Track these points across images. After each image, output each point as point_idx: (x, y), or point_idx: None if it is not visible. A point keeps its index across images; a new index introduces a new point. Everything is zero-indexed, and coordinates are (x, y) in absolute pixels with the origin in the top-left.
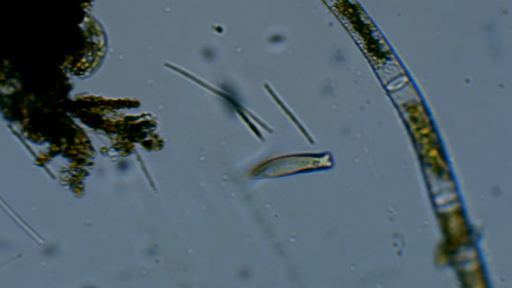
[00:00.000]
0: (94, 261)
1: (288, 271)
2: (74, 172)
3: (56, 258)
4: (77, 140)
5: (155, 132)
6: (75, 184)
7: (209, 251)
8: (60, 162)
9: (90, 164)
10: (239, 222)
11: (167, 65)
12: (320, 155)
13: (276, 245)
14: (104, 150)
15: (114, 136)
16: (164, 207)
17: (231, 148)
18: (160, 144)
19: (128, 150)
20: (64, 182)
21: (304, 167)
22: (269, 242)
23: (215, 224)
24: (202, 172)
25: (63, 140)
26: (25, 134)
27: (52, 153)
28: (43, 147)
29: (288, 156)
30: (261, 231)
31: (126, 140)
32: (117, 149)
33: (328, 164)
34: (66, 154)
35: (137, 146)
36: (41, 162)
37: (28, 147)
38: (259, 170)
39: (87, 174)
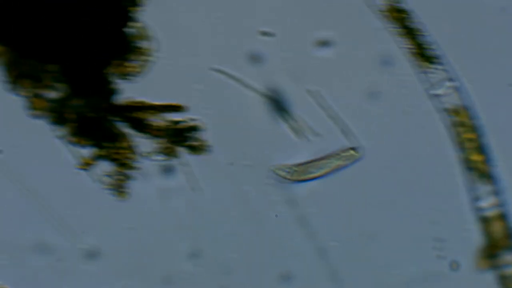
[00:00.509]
0: (136, 265)
1: (330, 275)
2: (118, 177)
3: (97, 262)
4: (122, 145)
5: (201, 136)
6: (119, 188)
7: (251, 255)
8: (104, 166)
9: (135, 168)
10: (282, 226)
11: (213, 69)
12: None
13: (318, 249)
14: (148, 155)
15: (160, 140)
16: (208, 211)
17: (276, 152)
18: (206, 148)
19: (173, 155)
20: (108, 186)
21: (331, 168)
22: (311, 246)
23: (257, 228)
24: (247, 176)
25: (108, 144)
26: (71, 138)
27: (97, 158)
28: (88, 152)
29: (312, 161)
30: (303, 235)
31: (171, 145)
32: (162, 154)
33: (358, 155)
34: (111, 159)
35: (182, 150)
36: (85, 166)
37: (73, 151)
38: (303, 170)
39: (131, 178)
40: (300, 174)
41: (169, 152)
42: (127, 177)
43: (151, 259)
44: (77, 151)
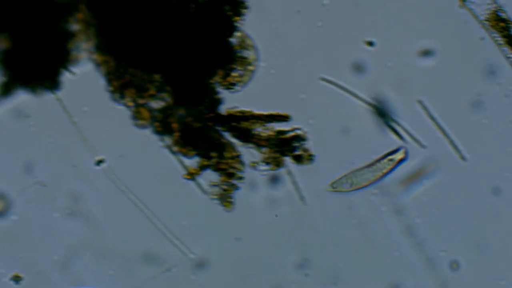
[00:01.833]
0: (244, 275)
1: (439, 286)
2: (224, 187)
3: (206, 272)
4: (227, 154)
5: (306, 146)
6: (225, 198)
7: (359, 265)
8: (210, 176)
9: (240, 178)
10: (389, 236)
11: (322, 79)
12: (394, 152)
13: (427, 259)
14: (254, 164)
15: (264, 150)
16: (314, 220)
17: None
18: (311, 158)
19: (278, 165)
20: (214, 197)
21: (382, 172)
22: (420, 256)
23: (365, 238)
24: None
25: (213, 154)
26: (175, 148)
27: (202, 167)
28: (193, 161)
29: (362, 168)
30: (411, 245)
31: (277, 154)
32: (267, 163)
33: (402, 156)
34: (216, 168)
35: (288, 160)
36: (191, 176)
37: (178, 161)
38: (338, 184)
39: (237, 188)
40: (355, 183)
41: (274, 162)
42: (233, 187)
43: (259, 269)
44: (183, 161)
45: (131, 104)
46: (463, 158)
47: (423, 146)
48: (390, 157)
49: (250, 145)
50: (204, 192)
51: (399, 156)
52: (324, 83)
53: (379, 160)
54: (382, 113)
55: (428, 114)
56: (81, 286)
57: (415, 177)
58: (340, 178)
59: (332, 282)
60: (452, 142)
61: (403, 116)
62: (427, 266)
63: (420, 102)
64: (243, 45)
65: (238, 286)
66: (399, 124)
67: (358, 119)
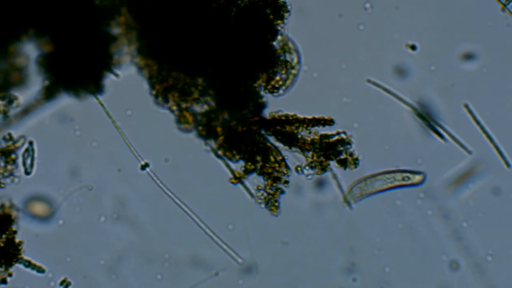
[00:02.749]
0: (292, 280)
1: None
2: (269, 191)
3: (253, 277)
4: (272, 158)
5: (350, 150)
6: (271, 202)
7: (406, 269)
8: (255, 180)
9: (286, 182)
10: (436, 240)
11: (368, 81)
12: (414, 173)
13: (474, 264)
14: (299, 169)
15: (309, 154)
16: (361, 225)
17: (427, 165)
18: (356, 162)
19: (323, 169)
20: (259, 201)
21: (393, 184)
22: (467, 261)
23: (411, 242)
24: (398, 190)
25: (258, 158)
26: (220, 152)
27: (247, 171)
28: (238, 165)
29: (376, 175)
30: (458, 249)
31: (322, 158)
32: (312, 167)
33: (419, 180)
34: (261, 173)
35: (332, 164)
36: (236, 180)
37: (224, 165)
38: (349, 192)
39: (282, 192)
40: (364, 191)
41: (319, 166)
42: (279, 191)
43: (306, 273)
44: (228, 165)
45: (174, 108)
46: (508, 165)
47: (469, 152)
48: (407, 175)
49: (295, 149)
50: (251, 196)
51: (415, 179)
52: (369, 85)
53: (395, 172)
54: (426, 116)
55: (473, 118)
56: None
57: (463, 179)
58: (352, 189)
59: (379, 287)
60: (497, 147)
61: (448, 120)
62: (473, 270)
63: (466, 105)
64: (285, 49)
65: None
66: (444, 128)
67: (403, 123)
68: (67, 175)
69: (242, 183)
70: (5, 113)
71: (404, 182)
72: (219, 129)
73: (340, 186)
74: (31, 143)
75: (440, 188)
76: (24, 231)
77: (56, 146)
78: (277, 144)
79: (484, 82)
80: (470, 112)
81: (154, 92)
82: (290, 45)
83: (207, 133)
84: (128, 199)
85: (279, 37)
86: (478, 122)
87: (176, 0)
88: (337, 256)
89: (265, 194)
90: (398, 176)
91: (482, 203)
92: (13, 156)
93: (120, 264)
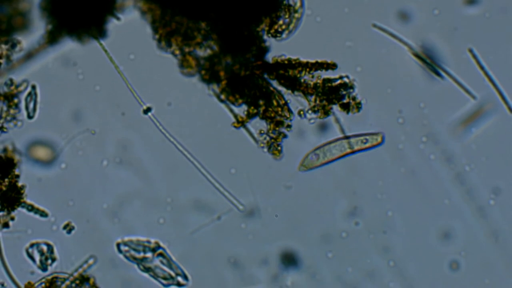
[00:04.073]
0: (294, 224)
1: (490, 234)
2: (272, 135)
3: (256, 221)
4: (275, 103)
5: (353, 94)
6: (274, 146)
7: (408, 214)
8: (258, 124)
9: (288, 126)
10: (439, 184)
11: (374, 26)
12: (372, 134)
13: (477, 208)
14: (302, 113)
15: (312, 98)
16: (363, 169)
17: (430, 109)
18: (358, 106)
19: (326, 113)
20: (262, 145)
21: (353, 149)
22: (470, 204)
23: (414, 186)
24: (401, 134)
25: (261, 102)
26: (223, 96)
27: (250, 116)
28: (241, 109)
29: (335, 140)
30: (461, 193)
31: (324, 102)
32: (315, 112)
33: (379, 141)
34: (264, 117)
35: (335, 108)
36: (239, 124)
37: (227, 109)
38: (305, 159)
39: (285, 136)
40: (322, 158)
41: (322, 110)
42: (282, 135)
43: (309, 217)
44: (231, 109)
45: (177, 52)
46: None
47: (473, 97)
48: (365, 137)
49: (298, 93)
50: (253, 140)
51: (375, 140)
52: (373, 30)
53: (353, 137)
54: (429, 60)
55: (477, 63)
56: (131, 234)
57: (472, 119)
58: (308, 155)
59: (381, 231)
60: (500, 93)
61: (451, 64)
62: (476, 214)
63: (470, 50)
64: None
65: (288, 235)
66: (447, 72)
67: (405, 67)
68: (70, 119)
69: (245, 127)
70: (8, 58)
71: (364, 146)
72: (222, 73)
73: (343, 130)
74: (34, 87)
75: (443, 132)
76: (27, 175)
77: (59, 90)
78: (280, 88)
79: (487, 27)
80: (474, 57)
81: (157, 37)
82: None
83: (210, 77)
84: (131, 143)
85: None
86: (482, 67)
87: None
88: (340, 200)
89: (268, 138)
90: (358, 140)
91: (485, 147)
92: (15, 100)
93: (123, 208)
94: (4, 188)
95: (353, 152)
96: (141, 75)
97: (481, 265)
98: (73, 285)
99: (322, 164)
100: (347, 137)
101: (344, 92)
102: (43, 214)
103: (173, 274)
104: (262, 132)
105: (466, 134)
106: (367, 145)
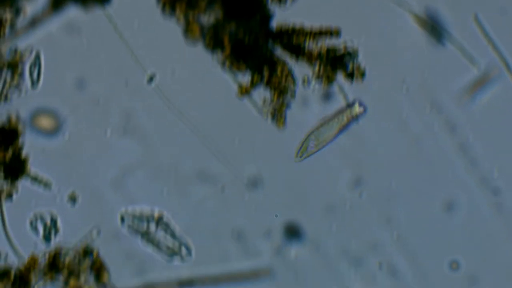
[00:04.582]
0: (298, 194)
1: (493, 205)
2: (275, 104)
3: (259, 192)
4: (278, 71)
5: (357, 62)
6: (277, 115)
7: (412, 184)
8: (262, 93)
9: (292, 95)
10: (443, 154)
11: None
12: (350, 105)
13: (480, 179)
14: (306, 81)
15: (316, 67)
16: (367, 139)
17: (435, 78)
18: (362, 75)
19: (330, 81)
20: (266, 114)
21: (342, 124)
22: (473, 174)
23: (418, 156)
24: (405, 103)
25: (265, 71)
26: (227, 64)
27: (254, 84)
28: (245, 78)
29: (322, 124)
30: (465, 164)
31: (328, 71)
32: (319, 80)
33: (361, 110)
34: (268, 86)
35: (339, 76)
36: (242, 93)
37: (230, 77)
38: (303, 149)
39: (288, 105)
40: (320, 142)
41: (326, 78)
42: (285, 104)
43: (313, 188)
44: (234, 77)
45: (181, 19)
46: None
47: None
48: (348, 110)
49: (302, 61)
50: (257, 109)
51: (357, 110)
52: None
53: (337, 115)
54: (435, 28)
55: (482, 31)
56: (135, 205)
57: (478, 86)
58: (303, 144)
59: (385, 201)
60: (505, 61)
61: (455, 31)
62: (480, 185)
63: (476, 17)
64: None
65: (292, 206)
66: (452, 40)
67: (410, 34)
68: (74, 88)
69: (249, 95)
70: (12, 25)
71: (351, 118)
72: (226, 41)
73: (346, 99)
74: (38, 55)
75: (447, 101)
76: (30, 145)
77: (63, 58)
78: (284, 56)
79: None
80: (479, 24)
81: (161, 3)
82: None
83: (214, 45)
84: (135, 112)
85: None
86: (487, 35)
87: None
88: (344, 171)
89: (272, 107)
90: (343, 116)
91: (489, 117)
92: (19, 69)
93: (126, 179)
94: (7, 159)
95: (344, 129)
96: (145, 42)
97: (484, 236)
98: (77, 257)
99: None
100: (332, 117)
101: (348, 60)
102: (46, 184)
103: (176, 245)
104: (266, 100)
105: (471, 103)
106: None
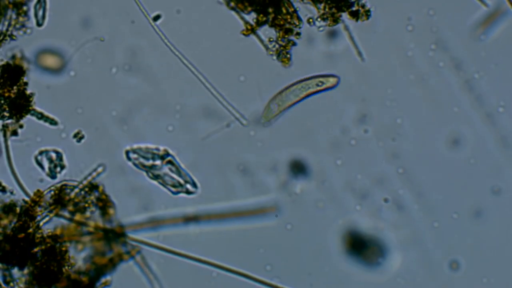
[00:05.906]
0: (302, 132)
1: (499, 140)
2: (281, 42)
3: (264, 129)
4: (284, 10)
5: (362, 1)
6: (283, 54)
7: (417, 120)
8: (267, 32)
9: (298, 34)
10: (448, 91)
11: None
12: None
13: (486, 114)
14: (311, 20)
15: (321, 6)
16: (372, 76)
17: (439, 16)
18: (368, 13)
19: (335, 20)
20: (271, 53)
21: (309, 91)
22: (479, 111)
23: (423, 93)
24: (410, 41)
25: (270, 9)
26: (232, 3)
27: (259, 23)
28: (251, 17)
29: (289, 86)
30: (470, 100)
31: (334, 10)
32: (324, 19)
33: (333, 83)
34: (273, 24)
35: (344, 16)
36: (248, 32)
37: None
38: (267, 111)
39: (294, 44)
40: (281, 106)
41: (331, 17)
42: (291, 43)
43: (317, 125)
44: (240, 16)
45: None
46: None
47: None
48: (321, 79)
49: (307, 0)
50: (264, 47)
51: (330, 82)
52: None
53: (308, 79)
54: None
55: None
56: (141, 142)
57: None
58: (267, 106)
59: (391, 138)
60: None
61: None
62: (486, 121)
63: None
64: None
65: (297, 143)
66: None
67: None
68: (79, 27)
69: (255, 34)
70: None
71: (319, 88)
72: None
73: (352, 38)
74: None
75: (452, 39)
76: (36, 83)
77: None
78: None
79: None
80: None
81: None
82: None
83: None
84: (140, 50)
85: None
86: None
87: None
88: (349, 107)
89: (277, 46)
90: (312, 82)
91: (494, 54)
92: (25, 8)
93: (132, 115)
94: (12, 96)
95: (309, 95)
96: None
97: (490, 170)
98: (82, 192)
99: (281, 112)
100: (301, 81)
101: (353, 0)
102: (52, 122)
103: (182, 181)
104: (272, 39)
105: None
106: (322, 87)
